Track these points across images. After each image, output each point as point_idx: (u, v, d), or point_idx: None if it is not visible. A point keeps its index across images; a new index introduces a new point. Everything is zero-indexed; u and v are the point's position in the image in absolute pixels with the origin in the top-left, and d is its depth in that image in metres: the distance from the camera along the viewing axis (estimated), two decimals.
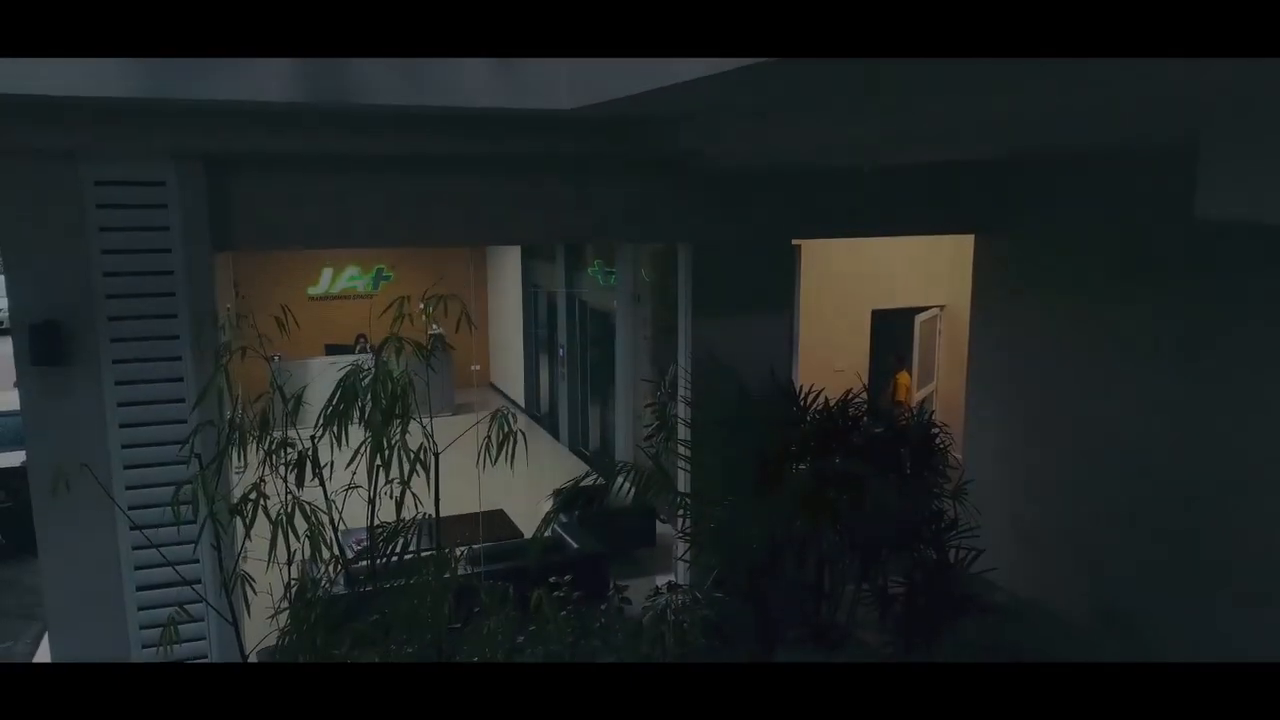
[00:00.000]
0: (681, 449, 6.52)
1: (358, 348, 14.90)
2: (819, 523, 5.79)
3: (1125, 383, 6.66)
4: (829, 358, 10.92)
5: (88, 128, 4.55)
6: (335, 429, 3.71)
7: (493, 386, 16.90)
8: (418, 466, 3.73)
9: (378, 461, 3.64)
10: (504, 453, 3.97)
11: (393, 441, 3.52)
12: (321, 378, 14.82)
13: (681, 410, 6.67)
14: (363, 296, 16.00)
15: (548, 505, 9.05)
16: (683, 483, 6.63)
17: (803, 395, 6.71)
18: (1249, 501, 5.78)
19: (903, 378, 11.45)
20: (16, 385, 5.26)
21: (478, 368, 16.51)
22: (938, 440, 6.34)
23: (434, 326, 15.64)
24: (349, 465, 3.79)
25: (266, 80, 4.21)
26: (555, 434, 13.43)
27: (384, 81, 4.38)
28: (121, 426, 5.12)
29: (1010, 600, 7.21)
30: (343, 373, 3.85)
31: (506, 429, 3.95)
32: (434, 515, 4.44)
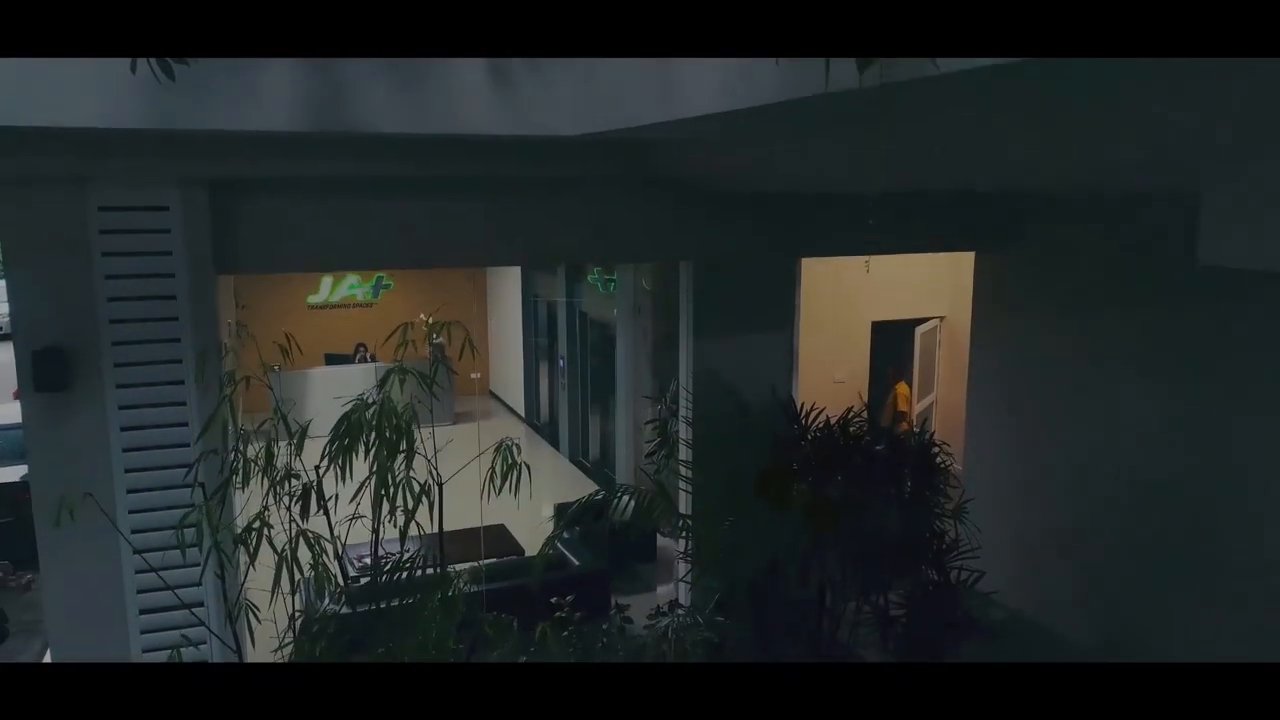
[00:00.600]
0: (683, 469, 6.53)
1: (357, 357, 14.91)
2: (821, 545, 5.80)
3: (1126, 399, 6.68)
4: (829, 369, 10.94)
5: (93, 155, 4.56)
6: (340, 462, 3.71)
7: (492, 394, 16.92)
8: (423, 499, 3.75)
9: (383, 493, 3.65)
10: (509, 483, 3.99)
11: (397, 479, 3.53)
12: (321, 388, 14.74)
13: (683, 430, 6.68)
14: (362, 305, 16.02)
15: (548, 518, 9.10)
16: (683, 503, 6.64)
17: (803, 413, 6.72)
18: (1253, 517, 5.79)
19: (901, 388, 11.48)
20: (17, 398, 5.24)
21: (477, 376, 16.52)
22: (938, 459, 6.35)
23: (435, 337, 15.61)
24: (353, 499, 3.80)
25: (272, 110, 4.22)
26: (555, 444, 13.44)
27: (389, 110, 4.39)
28: (125, 451, 5.13)
29: (1010, 617, 7.23)
30: (346, 407, 3.84)
31: (511, 460, 3.97)
32: (438, 540, 4.46)
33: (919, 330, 11.07)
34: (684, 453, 6.64)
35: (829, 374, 10.95)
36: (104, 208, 4.94)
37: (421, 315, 16.05)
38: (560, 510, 8.76)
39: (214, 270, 5.22)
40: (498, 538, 8.28)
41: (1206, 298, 5.93)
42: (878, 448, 6.51)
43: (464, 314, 16.25)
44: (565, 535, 8.34)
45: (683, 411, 6.69)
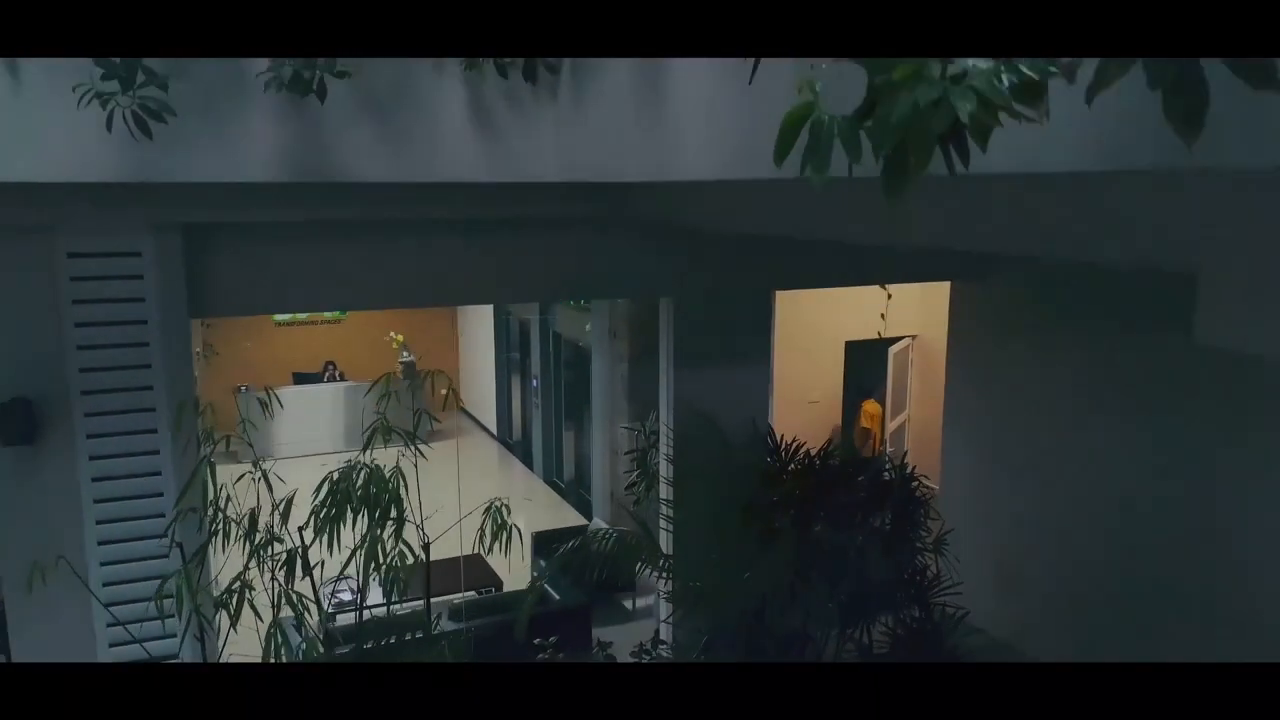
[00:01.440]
0: (664, 507, 6.48)
1: (326, 375, 14.70)
2: (804, 583, 5.79)
3: (1108, 424, 6.74)
4: (804, 390, 10.99)
5: (64, 206, 4.43)
6: (328, 531, 3.63)
7: (463, 411, 16.74)
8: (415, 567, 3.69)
9: (372, 565, 3.58)
10: (500, 543, 3.94)
11: (389, 552, 3.46)
12: (289, 408, 14.45)
13: (663, 467, 6.64)
14: (330, 322, 15.79)
15: (527, 564, 9.00)
16: (664, 539, 6.60)
17: (783, 446, 6.71)
18: (1239, 544, 5.86)
19: (868, 406, 11.58)
20: None
21: (447, 392, 16.35)
22: (918, 492, 6.37)
23: (405, 354, 15.43)
24: (343, 570, 3.72)
25: (251, 161, 4.12)
26: (528, 463, 13.34)
27: (370, 159, 4.31)
28: (96, 502, 4.99)
29: (989, 644, 7.28)
30: (335, 474, 3.76)
31: (500, 520, 3.92)
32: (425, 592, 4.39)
33: (892, 350, 11.15)
34: (665, 490, 6.60)
35: (804, 394, 11.00)
36: (73, 254, 4.79)
37: (392, 333, 15.80)
38: (539, 540, 8.69)
39: (188, 315, 5.10)
40: (476, 568, 8.17)
41: (1188, 325, 5.99)
42: (859, 478, 6.52)
43: (434, 330, 16.11)
44: (543, 564, 8.28)
45: (664, 449, 6.65)
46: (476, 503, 4.59)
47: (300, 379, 14.37)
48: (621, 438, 9.90)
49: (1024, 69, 1.38)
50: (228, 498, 4.11)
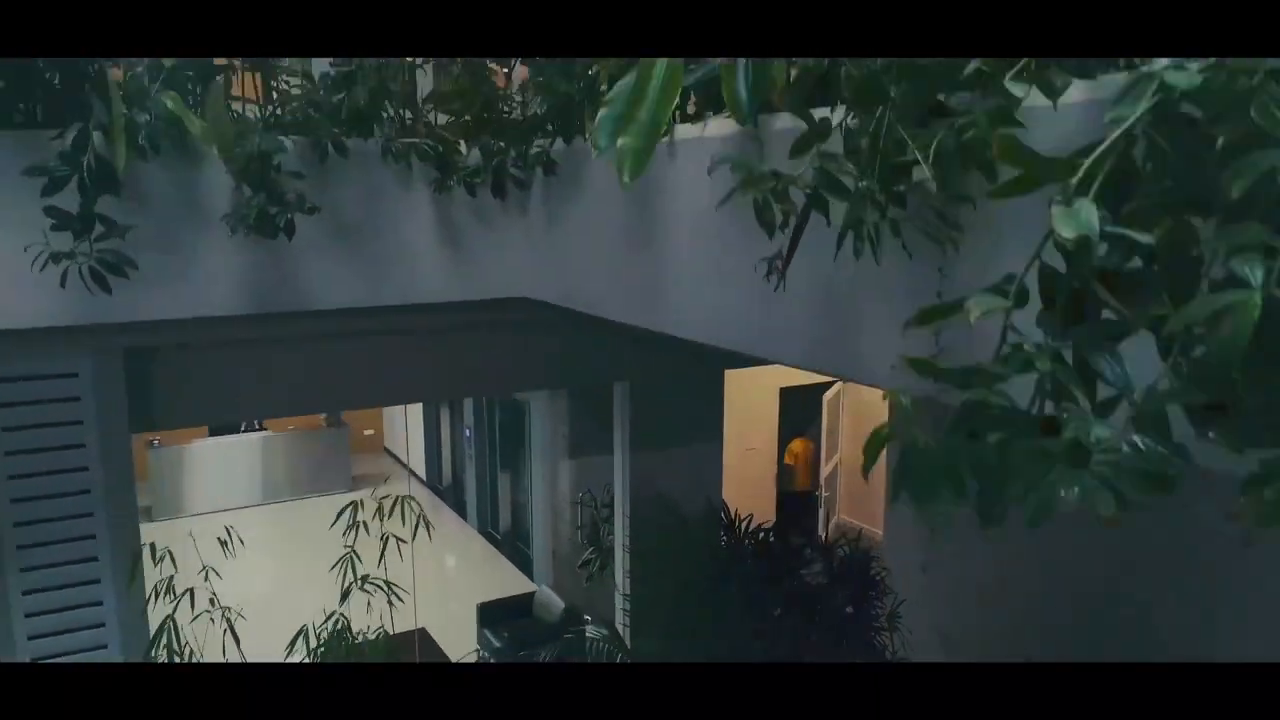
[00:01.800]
0: (621, 600, 6.42)
1: (244, 424, 14.14)
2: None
3: None
4: (741, 438, 11.07)
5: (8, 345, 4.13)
6: None
7: (388, 452, 16.34)
8: None
9: None
10: None
11: None
12: (207, 462, 13.85)
13: (619, 555, 6.59)
14: None
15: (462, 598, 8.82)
16: (618, 620, 6.55)
17: (737, 522, 6.73)
18: (1193, 591, 6.04)
19: (794, 444, 11.77)
20: None
21: (371, 433, 15.94)
22: (874, 573, 6.46)
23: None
24: None
25: (209, 296, 3.91)
26: (460, 512, 13.09)
27: (338, 287, 4.14)
28: (30, 639, 4.68)
29: None
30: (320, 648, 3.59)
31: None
32: None
33: (825, 396, 11.33)
34: (620, 576, 6.55)
35: (742, 442, 11.08)
36: (5, 379, 4.48)
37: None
38: (484, 611, 8.52)
39: (130, 434, 4.83)
40: (425, 646, 7.97)
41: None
42: (817, 566, 6.58)
43: None
44: (495, 642, 8.13)
45: (620, 537, 6.59)
46: (419, 557, 4.44)
47: (217, 430, 13.79)
48: (563, 495, 9.80)
49: (1149, 454, 1.37)
50: (190, 650, 3.91)
